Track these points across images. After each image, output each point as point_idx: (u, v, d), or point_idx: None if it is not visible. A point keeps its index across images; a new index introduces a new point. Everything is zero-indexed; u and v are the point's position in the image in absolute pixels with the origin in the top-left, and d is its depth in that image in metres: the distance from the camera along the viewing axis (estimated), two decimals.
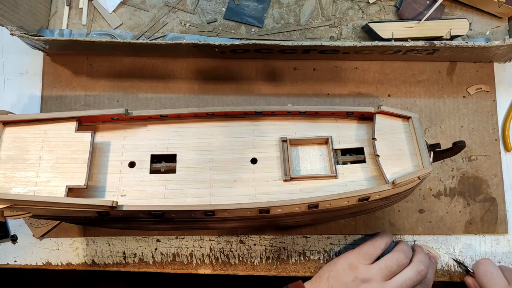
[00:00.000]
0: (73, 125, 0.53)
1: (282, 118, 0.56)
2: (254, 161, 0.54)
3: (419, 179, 0.51)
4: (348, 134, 0.55)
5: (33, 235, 0.65)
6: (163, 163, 0.54)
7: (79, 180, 0.50)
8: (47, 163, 0.51)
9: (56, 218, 0.60)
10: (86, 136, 0.52)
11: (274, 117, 0.56)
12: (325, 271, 0.57)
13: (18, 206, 0.47)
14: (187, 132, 0.55)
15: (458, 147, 0.54)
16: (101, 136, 0.55)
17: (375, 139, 0.53)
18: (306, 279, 0.64)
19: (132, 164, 0.54)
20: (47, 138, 0.52)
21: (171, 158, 0.54)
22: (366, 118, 0.56)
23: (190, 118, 0.56)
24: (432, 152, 0.54)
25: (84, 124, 0.55)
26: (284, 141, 0.54)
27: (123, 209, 0.48)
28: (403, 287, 0.53)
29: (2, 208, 0.47)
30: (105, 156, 0.54)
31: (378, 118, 0.54)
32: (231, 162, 0.54)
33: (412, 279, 0.54)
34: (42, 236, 0.65)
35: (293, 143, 0.55)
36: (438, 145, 0.55)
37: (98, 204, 0.47)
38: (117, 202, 0.47)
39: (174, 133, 0.55)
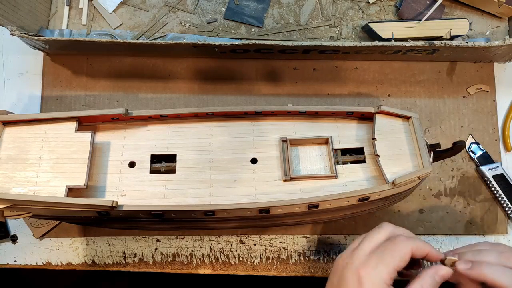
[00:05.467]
0: (73, 125, 0.53)
1: (282, 118, 0.56)
2: (254, 161, 0.54)
3: (419, 179, 0.51)
4: (348, 134, 0.55)
5: (33, 235, 0.65)
6: (163, 163, 0.54)
7: (79, 180, 0.50)
8: (47, 163, 0.51)
9: (56, 218, 0.60)
10: (86, 136, 0.52)
11: (274, 117, 0.56)
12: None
13: (18, 206, 0.47)
14: (187, 132, 0.55)
15: (458, 147, 0.54)
16: (101, 136, 0.55)
17: (375, 139, 0.53)
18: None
19: (132, 164, 0.54)
20: (47, 138, 0.52)
21: (171, 158, 0.54)
22: (366, 118, 0.56)
23: (190, 118, 0.56)
24: (432, 152, 0.54)
25: (84, 124, 0.55)
26: (284, 141, 0.54)
27: (123, 209, 0.48)
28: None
29: (2, 208, 0.47)
30: (105, 156, 0.54)
31: (378, 118, 0.54)
32: (231, 162, 0.54)
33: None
34: (42, 236, 0.65)
35: (293, 143, 0.55)
36: (438, 145, 0.54)
37: (98, 204, 0.47)
38: (117, 202, 0.47)
39: (174, 133, 0.55)
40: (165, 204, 0.50)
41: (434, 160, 0.55)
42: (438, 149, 0.55)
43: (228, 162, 0.54)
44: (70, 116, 0.53)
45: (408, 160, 0.52)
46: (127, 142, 0.55)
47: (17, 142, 0.52)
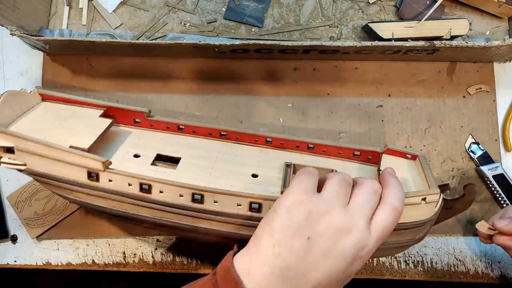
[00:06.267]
0: (99, 111, 0.58)
1: (290, 151, 0.59)
2: (254, 176, 0.54)
3: (425, 201, 0.46)
4: (353, 174, 0.55)
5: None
6: (167, 163, 0.56)
7: (84, 144, 0.52)
8: (61, 130, 0.54)
9: (57, 193, 0.59)
10: (107, 121, 0.56)
11: (282, 149, 0.59)
12: (264, 227, 0.40)
13: (18, 150, 0.49)
14: (197, 144, 0.59)
15: (470, 191, 0.49)
16: (118, 131, 0.59)
17: (381, 170, 0.53)
18: None
19: (136, 156, 0.56)
20: (72, 115, 0.57)
21: (175, 160, 0.55)
22: (373, 162, 0.58)
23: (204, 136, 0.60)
24: (441, 195, 0.48)
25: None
26: (288, 165, 0.54)
27: (114, 172, 0.49)
28: (366, 208, 0.41)
29: (2, 146, 0.49)
30: (115, 145, 0.57)
31: (385, 158, 0.55)
32: (232, 173, 0.54)
33: (371, 197, 0.42)
34: (38, 237, 0.65)
35: (298, 169, 0.54)
36: (447, 185, 0.52)
37: (91, 158, 0.48)
38: (110, 162, 0.49)
39: (186, 143, 0.59)
40: (154, 177, 0.49)
41: (444, 215, 0.50)
42: (448, 198, 0.50)
43: (229, 172, 0.54)
44: (100, 104, 0.58)
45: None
46: (141, 141, 0.58)
47: (47, 113, 0.56)
